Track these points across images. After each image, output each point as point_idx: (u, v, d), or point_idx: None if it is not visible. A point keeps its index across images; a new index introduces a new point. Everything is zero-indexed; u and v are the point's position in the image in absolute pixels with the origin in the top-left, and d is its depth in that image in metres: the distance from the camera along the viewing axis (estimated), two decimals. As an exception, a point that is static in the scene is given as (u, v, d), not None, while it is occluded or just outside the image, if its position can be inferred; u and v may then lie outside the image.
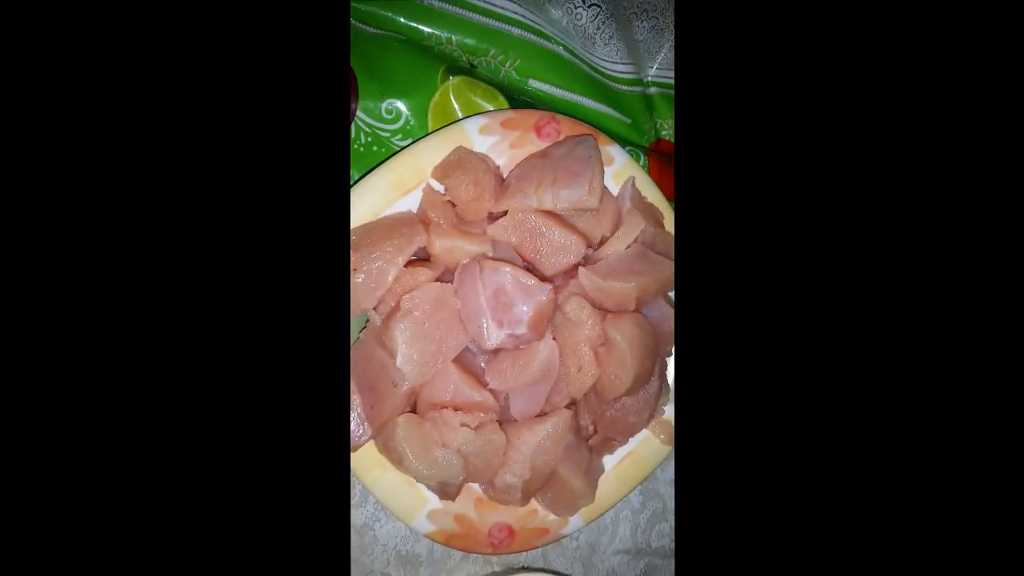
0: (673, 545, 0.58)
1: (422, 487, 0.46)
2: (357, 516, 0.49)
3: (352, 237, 0.43)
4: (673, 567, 0.58)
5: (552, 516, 0.50)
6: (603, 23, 0.53)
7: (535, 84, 0.53)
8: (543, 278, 0.45)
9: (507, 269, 0.44)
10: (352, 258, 0.42)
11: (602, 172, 0.47)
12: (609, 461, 0.52)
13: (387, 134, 0.47)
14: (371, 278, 0.42)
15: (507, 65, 0.52)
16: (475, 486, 0.48)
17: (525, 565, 0.54)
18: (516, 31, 0.51)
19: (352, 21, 0.47)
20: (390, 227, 0.43)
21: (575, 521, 0.51)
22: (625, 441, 0.52)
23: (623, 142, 0.53)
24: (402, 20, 0.48)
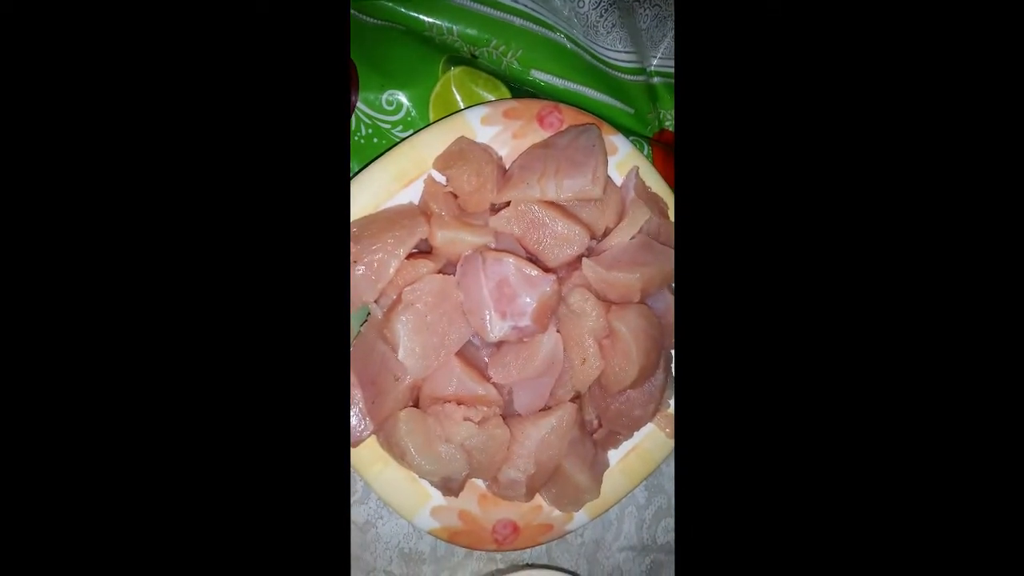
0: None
1: (425, 483, 0.45)
2: (359, 513, 0.49)
3: (353, 229, 0.42)
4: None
5: (557, 512, 0.49)
6: (606, 11, 0.52)
7: (537, 74, 0.52)
8: (546, 269, 0.45)
9: (510, 260, 0.43)
10: (352, 250, 0.41)
11: (606, 162, 0.47)
12: (614, 456, 0.52)
13: (388, 126, 0.47)
14: (372, 270, 0.41)
15: (509, 55, 0.51)
16: (478, 482, 0.48)
17: (529, 562, 0.53)
18: (518, 21, 0.50)
19: (352, 12, 0.46)
20: (391, 219, 0.43)
21: (580, 517, 0.50)
22: (630, 435, 0.51)
23: (626, 132, 0.53)
24: (403, 10, 0.48)
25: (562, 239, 0.45)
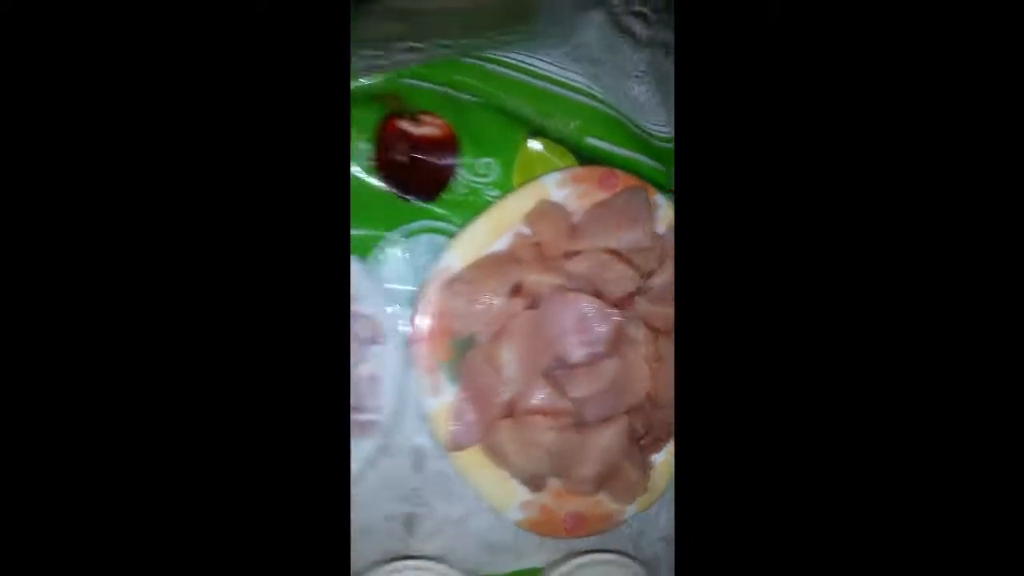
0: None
1: (514, 481, 0.55)
2: (455, 510, 0.58)
3: (466, 273, 0.52)
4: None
5: (614, 504, 0.59)
6: (652, 95, 0.64)
7: (591, 140, 0.63)
8: (608, 303, 0.55)
9: (587, 299, 0.53)
10: (467, 290, 0.51)
11: (653, 218, 0.58)
12: (657, 458, 0.62)
13: (481, 186, 0.57)
14: (483, 307, 0.51)
15: (570, 126, 0.62)
16: (554, 479, 0.57)
17: (588, 549, 0.63)
18: (580, 97, 0.61)
19: (455, 91, 0.57)
20: (493, 265, 0.53)
21: (630, 509, 0.60)
22: (669, 441, 0.62)
23: (662, 188, 0.64)
24: (492, 90, 0.58)
25: (621, 279, 0.56)
